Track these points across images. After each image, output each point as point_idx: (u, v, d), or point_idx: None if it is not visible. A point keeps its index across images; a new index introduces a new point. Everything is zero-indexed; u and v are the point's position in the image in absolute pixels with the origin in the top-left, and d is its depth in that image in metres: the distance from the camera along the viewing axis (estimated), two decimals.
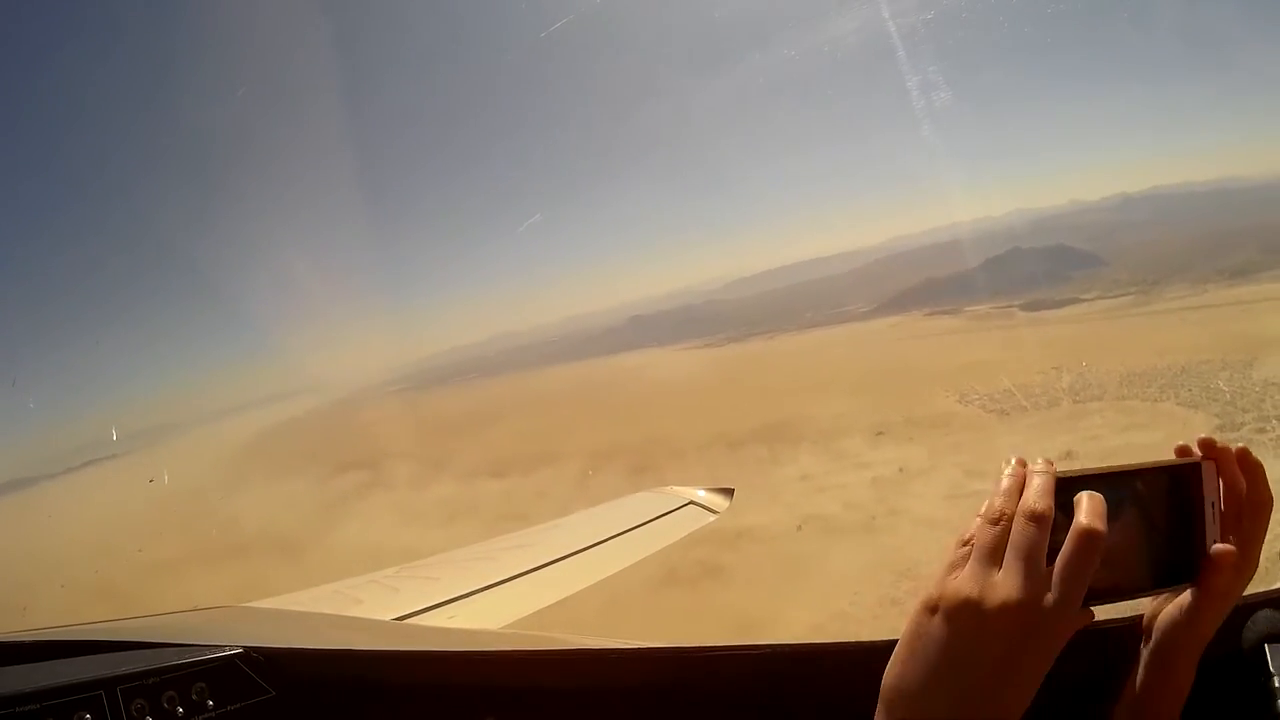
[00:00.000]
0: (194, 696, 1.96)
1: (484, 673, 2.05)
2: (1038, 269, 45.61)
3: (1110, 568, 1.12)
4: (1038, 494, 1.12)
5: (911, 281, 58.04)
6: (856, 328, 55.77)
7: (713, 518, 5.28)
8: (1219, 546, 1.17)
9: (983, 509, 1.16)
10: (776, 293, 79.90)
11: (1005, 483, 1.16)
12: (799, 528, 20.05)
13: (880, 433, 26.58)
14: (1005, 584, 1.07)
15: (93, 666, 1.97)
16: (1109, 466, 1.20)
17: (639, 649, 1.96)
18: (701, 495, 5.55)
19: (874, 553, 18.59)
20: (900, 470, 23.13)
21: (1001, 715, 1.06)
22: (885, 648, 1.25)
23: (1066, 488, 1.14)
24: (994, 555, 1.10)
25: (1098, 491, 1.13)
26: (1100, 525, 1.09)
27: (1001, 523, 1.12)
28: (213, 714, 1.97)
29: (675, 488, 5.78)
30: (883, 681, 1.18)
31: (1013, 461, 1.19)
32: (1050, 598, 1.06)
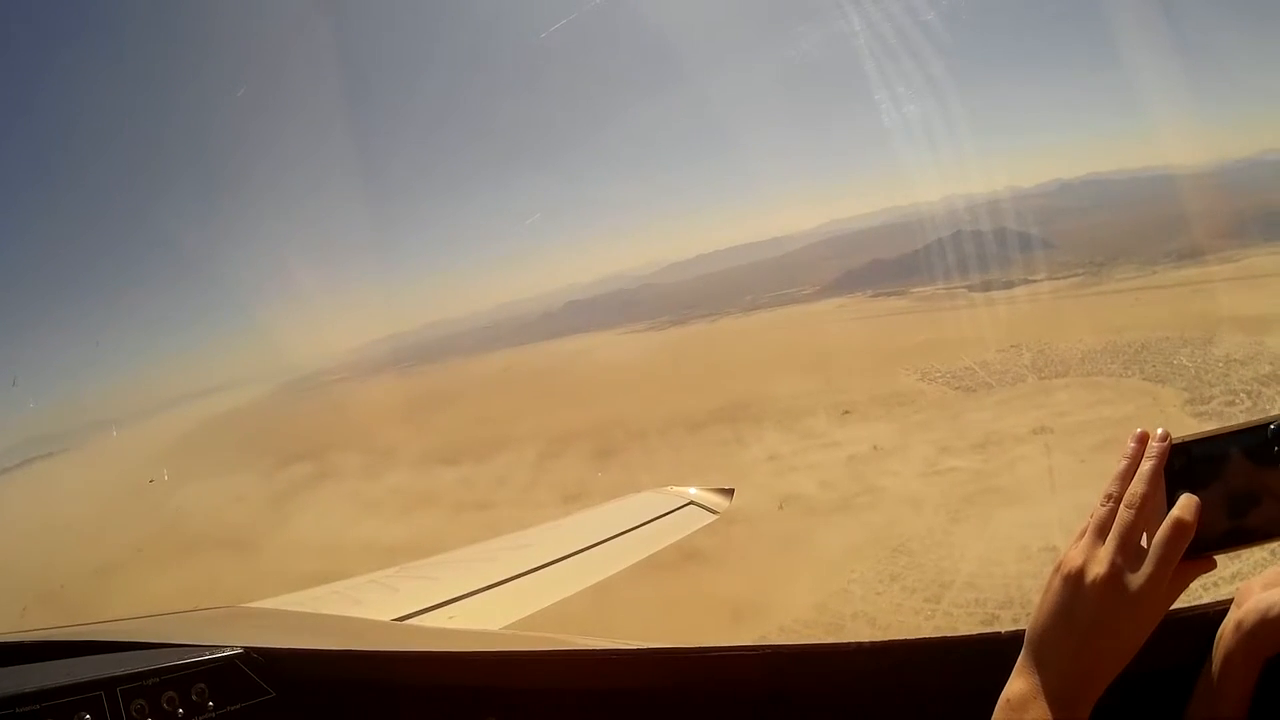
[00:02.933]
0: (194, 697, 1.97)
1: (484, 673, 2.07)
2: (983, 251, 45.92)
3: (1239, 514, 1.25)
4: (1140, 480, 1.28)
5: (854, 264, 58.45)
6: (802, 309, 55.74)
7: (713, 518, 5.35)
8: None
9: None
10: (713, 276, 79.87)
11: (1121, 464, 1.32)
12: (780, 508, 20.11)
13: (847, 411, 26.82)
14: (1101, 560, 1.25)
15: (93, 666, 1.98)
16: (1233, 425, 1.29)
17: (639, 649, 1.97)
18: (701, 495, 5.61)
19: (862, 530, 18.77)
20: (874, 448, 23.33)
21: (1098, 669, 1.24)
22: (885, 648, 1.53)
23: (1186, 452, 1.29)
24: (1101, 531, 1.28)
25: (1224, 444, 1.27)
26: (1190, 518, 1.23)
27: (1110, 503, 1.29)
28: (213, 714, 1.98)
29: (675, 488, 5.82)
30: (1029, 623, 1.32)
31: (1133, 441, 1.33)
32: (1138, 576, 1.22)
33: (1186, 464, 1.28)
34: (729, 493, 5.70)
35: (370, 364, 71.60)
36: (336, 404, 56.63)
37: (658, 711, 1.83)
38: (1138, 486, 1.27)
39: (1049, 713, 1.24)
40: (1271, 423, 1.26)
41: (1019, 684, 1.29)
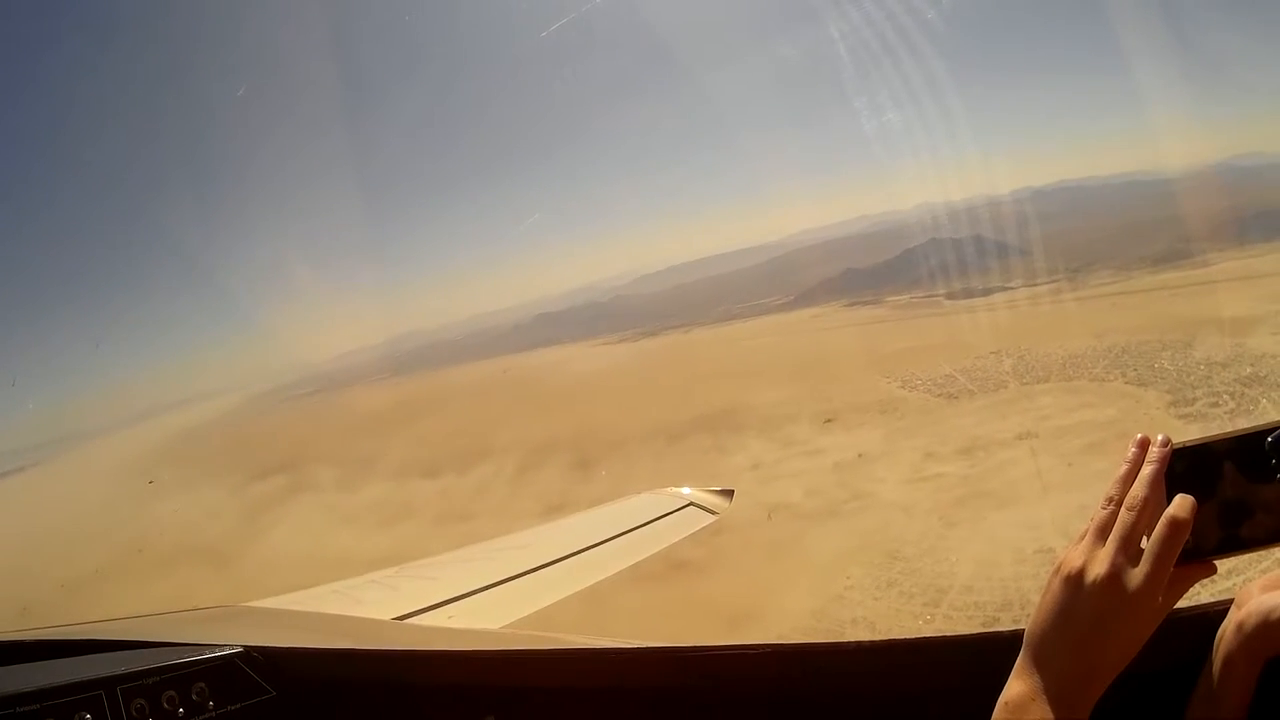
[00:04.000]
0: (194, 696, 1.96)
1: (484, 672, 2.08)
2: (958, 259, 46.13)
3: (1237, 520, 1.26)
4: (1141, 483, 1.29)
5: (827, 273, 59.00)
6: (776, 319, 55.85)
7: (712, 519, 5.27)
8: None
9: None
10: (685, 287, 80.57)
11: (1123, 468, 1.32)
12: (769, 516, 20.09)
13: (829, 419, 26.92)
14: (1101, 561, 1.25)
15: (93, 666, 1.97)
16: (1236, 430, 1.29)
17: (639, 649, 1.97)
18: (701, 496, 5.52)
19: (854, 537, 18.80)
20: (859, 455, 23.37)
21: (1098, 670, 1.24)
22: (885, 648, 1.55)
23: (1187, 456, 1.30)
24: (1102, 533, 1.28)
25: (1225, 451, 1.28)
26: (1185, 516, 1.24)
27: (1111, 506, 1.29)
28: (213, 714, 1.98)
29: (674, 489, 5.72)
30: (1028, 624, 1.32)
31: (1134, 445, 1.33)
32: (1136, 576, 1.23)
33: (1187, 469, 1.30)
34: (729, 494, 5.63)
35: (342, 376, 71.34)
36: (310, 416, 56.41)
37: (658, 711, 1.84)
38: (1139, 490, 1.29)
39: (1049, 713, 1.26)
40: (1269, 434, 1.27)
41: (1018, 685, 1.30)
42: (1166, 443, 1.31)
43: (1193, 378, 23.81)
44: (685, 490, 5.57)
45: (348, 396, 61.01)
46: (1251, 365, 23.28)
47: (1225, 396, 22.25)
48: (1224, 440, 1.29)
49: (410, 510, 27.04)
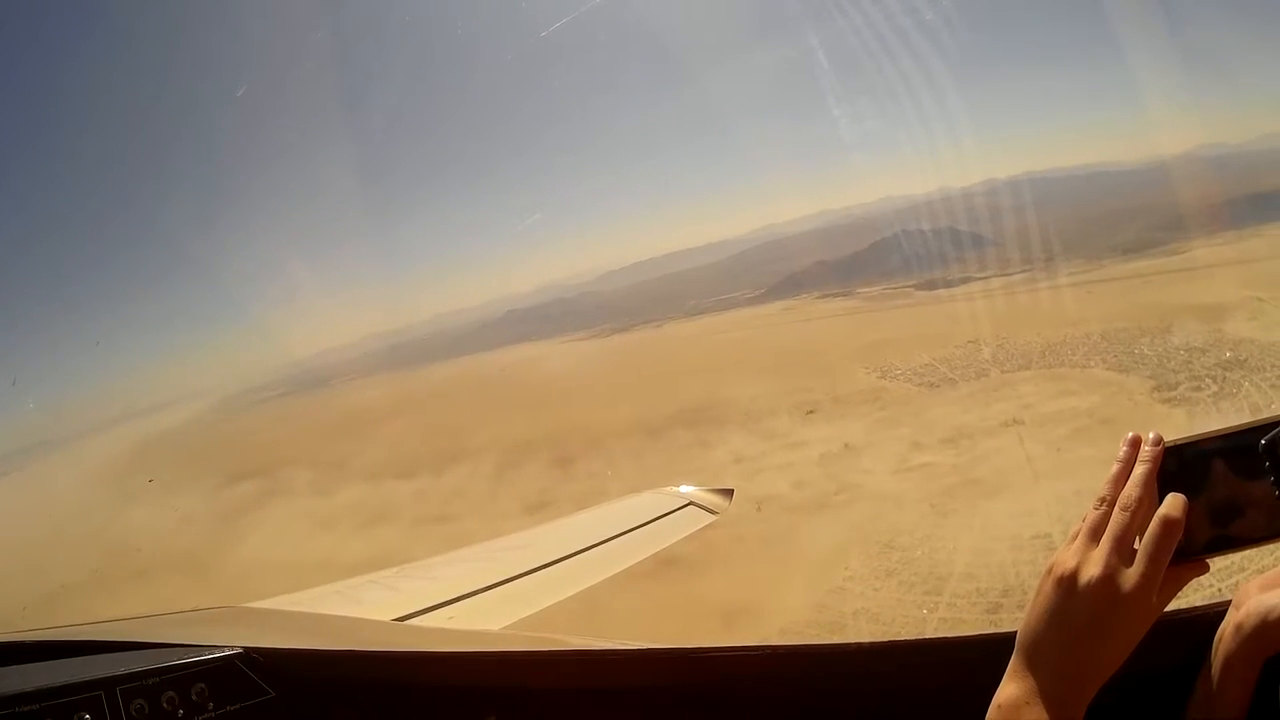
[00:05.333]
0: (194, 697, 1.96)
1: (484, 673, 2.09)
2: (927, 250, 46.40)
3: (1228, 519, 1.25)
4: (1134, 483, 1.28)
5: (796, 267, 59.29)
6: (748, 313, 56.27)
7: (712, 518, 5.28)
8: None
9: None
10: (653, 282, 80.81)
11: (1115, 468, 1.31)
12: (758, 509, 20.07)
13: (810, 411, 27.05)
14: (1094, 561, 1.24)
15: (93, 666, 1.97)
16: (1228, 427, 1.28)
17: (639, 649, 1.99)
18: (701, 495, 5.52)
19: (847, 529, 18.88)
20: (846, 446, 23.46)
21: (1092, 671, 1.23)
22: (883, 648, 1.59)
23: (1179, 454, 1.29)
24: (1095, 534, 1.27)
25: (1216, 449, 1.27)
26: (1178, 515, 1.23)
27: (1104, 506, 1.28)
28: (213, 714, 1.97)
29: (674, 488, 5.73)
30: (1020, 626, 1.32)
31: (1125, 444, 1.32)
32: (1130, 576, 1.22)
33: (1179, 467, 1.29)
34: (729, 493, 5.64)
35: (310, 378, 70.96)
36: (281, 419, 56.12)
37: (658, 711, 1.85)
38: (1132, 490, 1.28)
39: (1043, 715, 1.25)
40: (1263, 432, 1.26)
41: (1011, 688, 1.30)
42: (1158, 442, 1.31)
43: (1173, 363, 24.10)
44: (685, 489, 5.57)
45: (319, 398, 60.74)
46: (1231, 350, 23.61)
47: (1208, 381, 22.55)
48: (1214, 438, 1.28)
49: (388, 513, 26.98)
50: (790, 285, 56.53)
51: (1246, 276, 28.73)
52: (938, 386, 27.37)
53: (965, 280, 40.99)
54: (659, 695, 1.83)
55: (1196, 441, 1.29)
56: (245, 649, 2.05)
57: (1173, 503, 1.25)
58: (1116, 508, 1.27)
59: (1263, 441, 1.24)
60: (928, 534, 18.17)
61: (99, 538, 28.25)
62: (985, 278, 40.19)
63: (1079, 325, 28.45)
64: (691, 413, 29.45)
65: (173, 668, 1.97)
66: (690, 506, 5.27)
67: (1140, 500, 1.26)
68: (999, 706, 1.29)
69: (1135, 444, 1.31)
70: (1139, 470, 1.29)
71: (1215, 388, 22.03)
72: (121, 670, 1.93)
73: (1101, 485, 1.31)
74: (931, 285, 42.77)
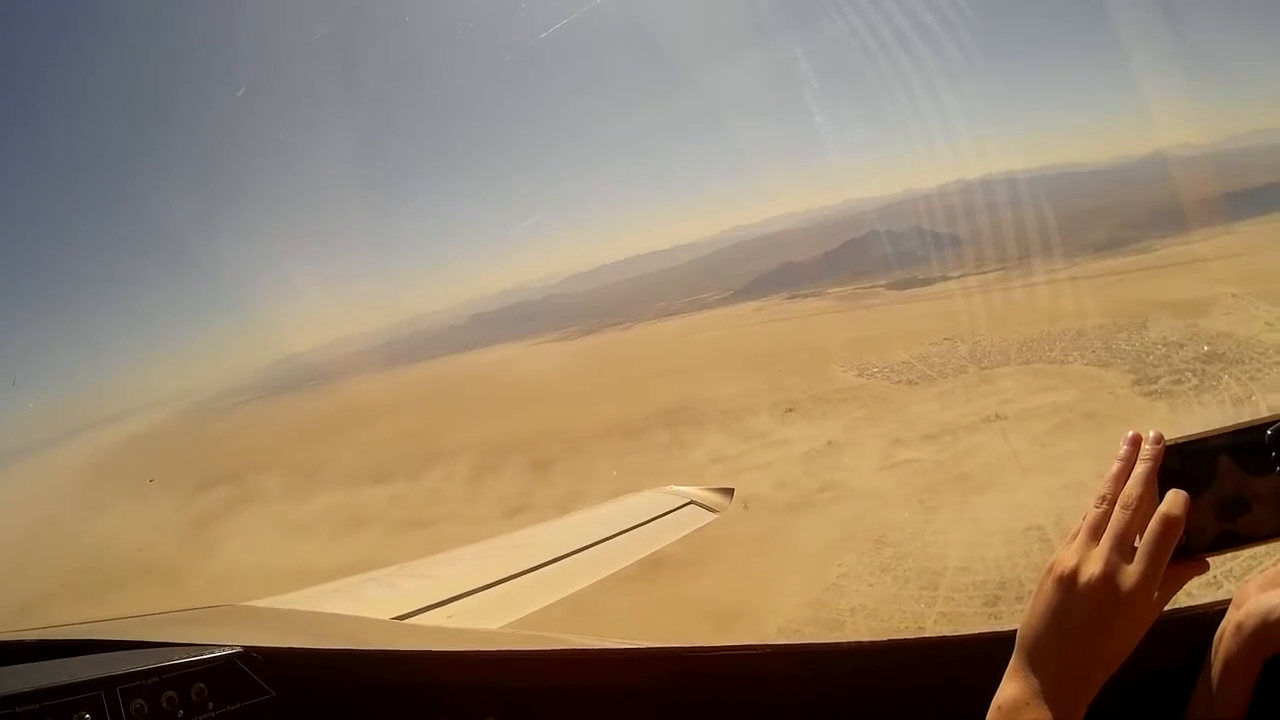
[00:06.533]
0: (194, 697, 1.96)
1: (484, 673, 2.06)
2: (898, 250, 46.81)
3: (1235, 515, 1.24)
4: (1134, 482, 1.26)
5: (764, 268, 59.76)
6: (718, 313, 56.58)
7: (713, 517, 5.21)
8: None
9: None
10: (619, 285, 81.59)
11: (1115, 466, 1.29)
12: (745, 507, 19.96)
13: (789, 410, 27.11)
14: (1095, 560, 1.23)
15: (93, 666, 1.96)
16: (1231, 425, 1.27)
17: (639, 649, 1.96)
18: (701, 494, 5.44)
19: (836, 526, 18.95)
20: (829, 443, 23.55)
21: (1092, 670, 1.22)
22: (882, 648, 1.58)
23: (1181, 452, 1.27)
24: (1095, 533, 1.25)
25: (1222, 446, 1.25)
26: (1179, 513, 1.22)
27: (1104, 505, 1.26)
28: (213, 714, 1.97)
29: (675, 487, 5.62)
30: (1020, 624, 1.30)
31: (1126, 443, 1.29)
32: (1130, 575, 1.21)
33: (1180, 466, 1.27)
34: (729, 492, 5.52)
35: (276, 383, 70.76)
36: (248, 425, 55.92)
37: (658, 711, 1.83)
38: (1132, 488, 1.26)
39: (1044, 715, 1.24)
40: (1268, 427, 1.25)
41: (1011, 688, 1.28)
42: (1159, 440, 1.29)
43: (1152, 357, 24.37)
44: (685, 489, 5.49)
45: (285, 403, 60.64)
46: (1208, 344, 23.89)
47: (1188, 374, 22.78)
48: (1219, 435, 1.27)
49: (364, 518, 26.91)
50: (760, 286, 56.88)
51: (1220, 273, 29.17)
52: (916, 384, 27.56)
53: (937, 280, 41.43)
54: (659, 695, 1.82)
55: (1200, 439, 1.27)
56: (245, 648, 2.04)
57: (1173, 500, 1.24)
58: (1117, 506, 1.26)
59: (1269, 432, 1.24)
60: (918, 529, 18.26)
61: (73, 546, 28.08)
62: (957, 277, 40.62)
63: (1055, 322, 28.73)
64: (668, 413, 29.59)
65: (172, 667, 1.96)
66: (691, 505, 5.23)
67: (1141, 498, 1.25)
68: (999, 707, 1.28)
69: (1136, 443, 1.30)
70: (1140, 469, 1.28)
71: (1195, 381, 22.28)
72: (121, 670, 1.92)
73: (1102, 484, 1.30)
74: (903, 285, 43.08)
